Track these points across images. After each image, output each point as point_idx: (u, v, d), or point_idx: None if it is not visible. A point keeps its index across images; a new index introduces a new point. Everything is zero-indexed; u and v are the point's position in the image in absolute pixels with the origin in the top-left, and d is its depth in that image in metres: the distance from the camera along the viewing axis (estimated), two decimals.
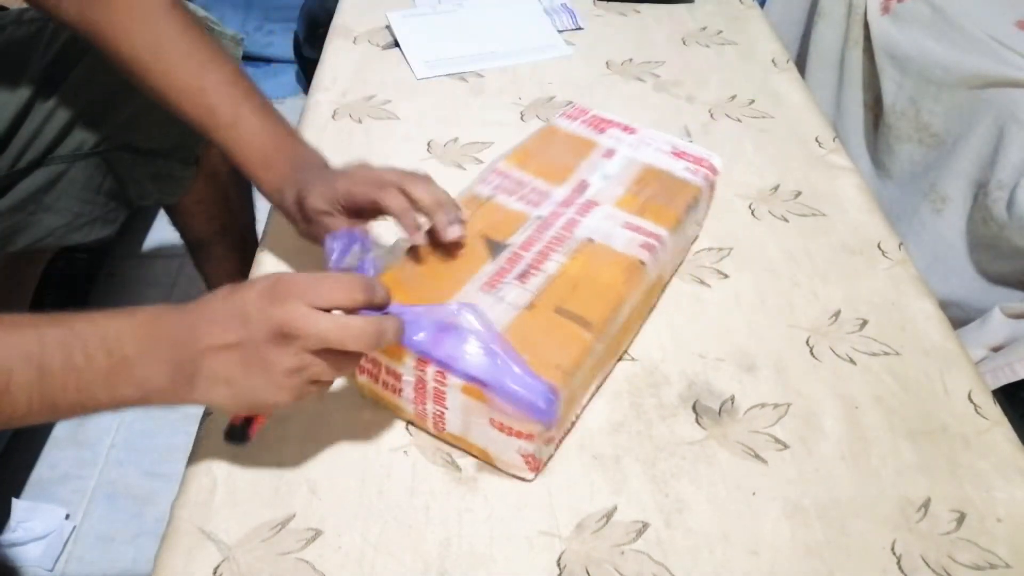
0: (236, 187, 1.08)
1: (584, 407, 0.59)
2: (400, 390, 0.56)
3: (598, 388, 0.61)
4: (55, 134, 0.84)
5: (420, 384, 0.54)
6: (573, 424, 0.58)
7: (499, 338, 0.52)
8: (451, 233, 0.57)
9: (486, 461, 0.56)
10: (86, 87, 0.84)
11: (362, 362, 0.56)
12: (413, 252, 0.59)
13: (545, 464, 0.56)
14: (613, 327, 0.57)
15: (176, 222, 1.09)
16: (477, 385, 0.51)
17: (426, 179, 0.59)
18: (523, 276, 0.58)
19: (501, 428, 0.52)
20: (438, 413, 0.55)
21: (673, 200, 0.64)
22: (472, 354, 0.51)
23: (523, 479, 0.55)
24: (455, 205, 0.60)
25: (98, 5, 0.64)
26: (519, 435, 0.52)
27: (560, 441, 0.57)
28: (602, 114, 0.74)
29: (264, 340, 0.46)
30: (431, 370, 0.52)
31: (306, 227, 0.62)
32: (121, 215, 0.96)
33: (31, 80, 0.82)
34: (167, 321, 0.47)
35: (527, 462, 0.53)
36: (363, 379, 0.58)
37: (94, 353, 0.45)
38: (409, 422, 0.58)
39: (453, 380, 0.52)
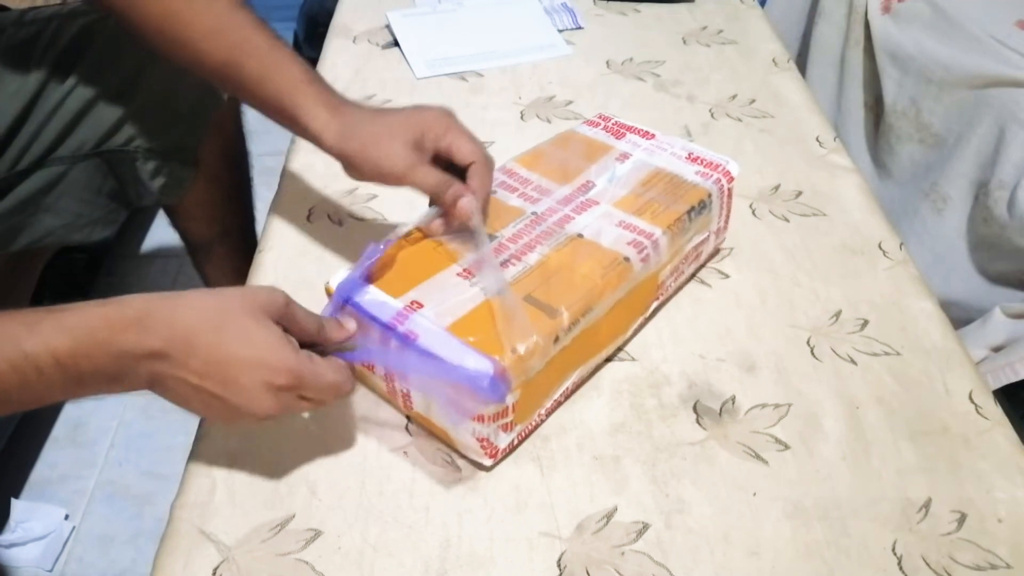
0: (236, 189, 1.08)
1: (559, 402, 0.59)
2: (373, 367, 0.57)
3: (579, 384, 0.61)
4: (55, 135, 0.84)
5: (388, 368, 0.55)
6: (543, 418, 0.58)
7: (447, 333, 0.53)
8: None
9: (448, 444, 0.56)
10: (86, 88, 0.84)
11: None
12: (404, 239, 0.60)
13: (505, 453, 0.56)
14: (586, 319, 0.56)
15: (176, 224, 1.09)
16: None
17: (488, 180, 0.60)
18: (503, 265, 0.58)
19: (456, 408, 0.52)
20: (405, 392, 0.55)
21: (676, 202, 0.64)
22: (425, 333, 0.53)
23: (482, 465, 0.55)
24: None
25: None
26: (471, 416, 0.52)
27: (527, 433, 0.57)
28: (624, 121, 0.73)
29: (243, 407, 0.48)
30: (393, 347, 0.53)
31: (357, 174, 0.61)
32: (121, 215, 0.96)
33: (31, 82, 0.82)
34: (127, 340, 0.46)
35: (483, 446, 0.54)
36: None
37: (47, 370, 0.44)
38: (408, 418, 0.59)
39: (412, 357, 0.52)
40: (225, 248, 1.09)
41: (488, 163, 0.60)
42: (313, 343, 0.51)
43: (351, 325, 0.53)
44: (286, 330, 0.49)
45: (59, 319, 0.45)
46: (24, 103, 0.82)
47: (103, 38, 0.84)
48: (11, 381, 0.44)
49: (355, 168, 0.60)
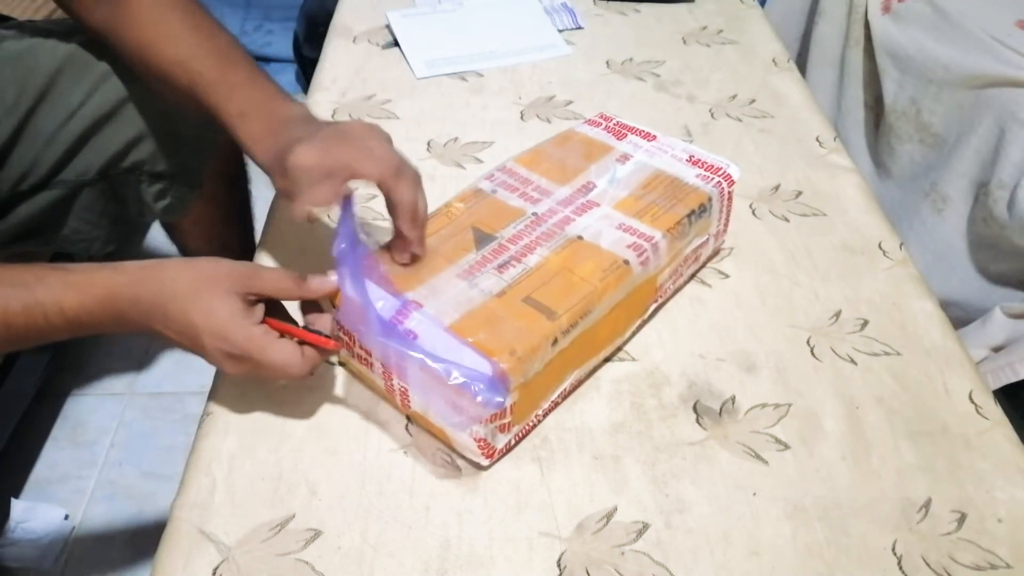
0: (235, 208, 1.07)
1: (556, 403, 0.59)
2: (371, 364, 0.57)
3: (576, 385, 0.61)
4: (60, 155, 0.83)
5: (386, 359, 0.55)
6: (540, 419, 0.58)
7: (448, 329, 0.53)
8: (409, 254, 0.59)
9: (445, 443, 0.56)
10: (91, 107, 0.82)
11: (342, 335, 0.58)
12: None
13: (503, 452, 0.56)
14: (584, 321, 0.56)
15: (174, 238, 1.08)
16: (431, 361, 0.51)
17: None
18: (503, 267, 0.58)
19: (454, 408, 0.52)
20: (403, 389, 0.55)
21: (676, 205, 0.64)
22: (425, 332, 0.53)
23: (480, 465, 0.55)
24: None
25: (121, 7, 0.71)
26: (468, 417, 0.52)
27: (524, 433, 0.57)
28: (625, 122, 0.73)
29: (215, 365, 0.55)
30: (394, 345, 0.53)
31: (283, 183, 0.60)
32: (122, 234, 0.95)
33: (29, 96, 0.80)
34: (122, 304, 0.54)
35: (480, 447, 0.54)
36: (345, 354, 0.60)
37: (54, 319, 0.53)
38: (408, 418, 0.59)
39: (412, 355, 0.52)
40: None
41: (397, 174, 0.57)
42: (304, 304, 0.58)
43: (332, 280, 0.56)
44: (259, 298, 0.55)
45: (65, 276, 0.53)
46: (21, 118, 0.81)
47: (108, 57, 0.81)
48: (19, 323, 0.52)
49: None
